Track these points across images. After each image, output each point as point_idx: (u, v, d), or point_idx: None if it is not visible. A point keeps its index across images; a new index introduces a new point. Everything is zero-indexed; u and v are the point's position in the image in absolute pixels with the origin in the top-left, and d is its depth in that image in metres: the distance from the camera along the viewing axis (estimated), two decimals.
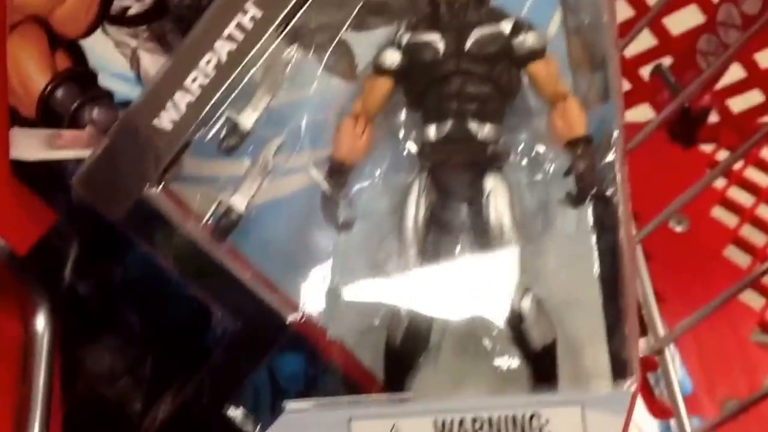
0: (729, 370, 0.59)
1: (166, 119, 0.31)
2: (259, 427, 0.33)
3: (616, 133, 0.32)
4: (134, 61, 0.36)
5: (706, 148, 0.69)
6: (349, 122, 0.33)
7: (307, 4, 0.32)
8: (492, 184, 0.32)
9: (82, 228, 0.38)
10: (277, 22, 0.31)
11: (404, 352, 0.32)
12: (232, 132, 0.32)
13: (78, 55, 0.36)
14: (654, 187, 0.63)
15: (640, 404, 0.56)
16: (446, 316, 0.32)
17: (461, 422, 0.31)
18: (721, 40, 0.62)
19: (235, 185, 0.32)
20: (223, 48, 0.31)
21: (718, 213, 0.68)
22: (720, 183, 0.68)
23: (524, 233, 0.32)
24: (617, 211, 0.32)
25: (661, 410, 0.57)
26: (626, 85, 0.69)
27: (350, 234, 0.33)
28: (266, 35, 0.31)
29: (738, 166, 0.68)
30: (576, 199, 0.32)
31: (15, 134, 0.36)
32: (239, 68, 0.31)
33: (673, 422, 0.54)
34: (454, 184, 0.32)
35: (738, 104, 0.69)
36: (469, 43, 0.32)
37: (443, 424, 0.31)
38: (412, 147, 0.33)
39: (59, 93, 0.36)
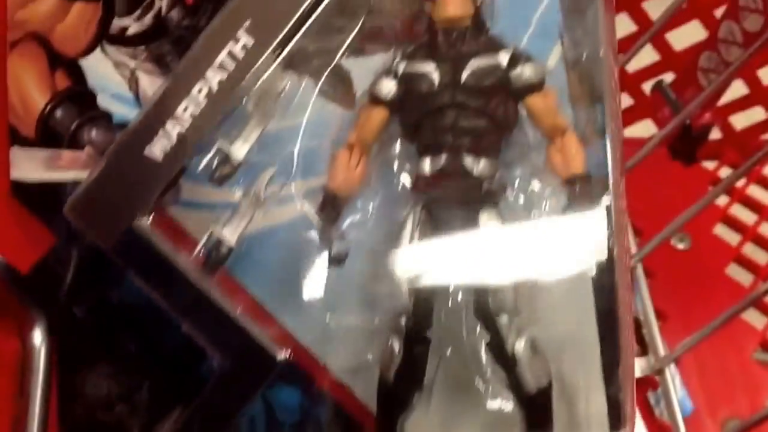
0: (730, 389, 0.58)
1: (157, 148, 0.31)
2: None
3: (612, 175, 0.32)
4: (133, 82, 0.36)
5: (709, 165, 0.69)
6: (344, 154, 0.32)
7: (301, 33, 0.31)
8: (487, 220, 0.31)
9: (79, 250, 0.38)
10: (269, 51, 0.31)
11: (397, 391, 0.31)
12: (223, 162, 0.32)
13: (77, 75, 0.36)
14: (656, 203, 0.62)
15: (639, 424, 0.56)
16: (440, 357, 0.31)
17: None
18: (722, 57, 0.62)
19: (227, 217, 0.32)
20: (214, 77, 0.31)
21: (721, 231, 0.67)
22: (722, 200, 0.67)
23: (518, 273, 0.31)
24: (613, 252, 0.31)
25: (660, 430, 0.56)
26: (628, 101, 0.69)
27: (343, 267, 0.32)
28: (258, 64, 0.31)
29: (740, 183, 0.68)
30: (572, 239, 0.31)
31: (15, 154, 0.36)
32: (231, 98, 0.31)
33: None
34: (448, 220, 0.32)
35: (740, 121, 0.68)
36: (465, 75, 0.31)
37: None
38: (406, 180, 0.32)
39: (58, 113, 0.36)
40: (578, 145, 0.32)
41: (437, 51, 0.32)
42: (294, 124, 0.33)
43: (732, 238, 0.67)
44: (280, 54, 0.31)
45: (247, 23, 0.30)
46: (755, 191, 0.70)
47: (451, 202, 0.32)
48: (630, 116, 0.67)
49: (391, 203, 0.33)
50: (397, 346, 0.31)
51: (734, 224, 0.68)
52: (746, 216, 0.69)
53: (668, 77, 0.67)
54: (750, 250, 0.67)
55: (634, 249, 0.61)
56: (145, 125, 0.31)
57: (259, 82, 0.31)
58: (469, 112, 0.31)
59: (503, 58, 0.32)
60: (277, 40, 0.31)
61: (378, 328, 0.32)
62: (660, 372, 0.55)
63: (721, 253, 0.66)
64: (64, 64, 0.36)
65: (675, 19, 0.62)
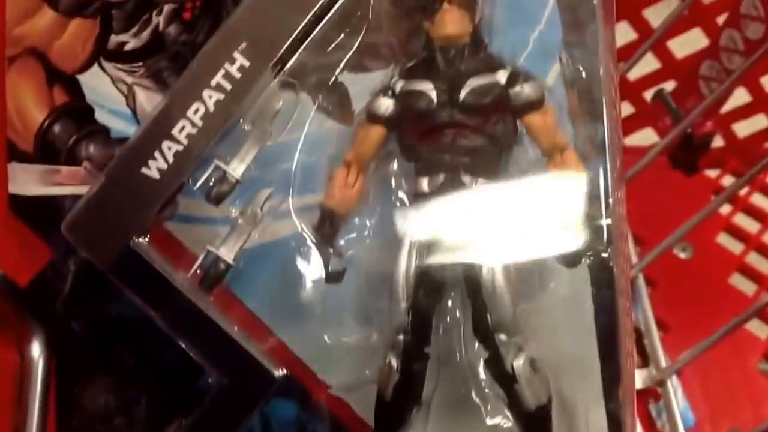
0: (733, 400, 0.58)
1: (154, 168, 0.31)
2: None
3: (612, 193, 0.31)
4: (130, 98, 0.36)
5: (711, 173, 0.69)
6: (341, 171, 0.32)
7: (298, 52, 0.31)
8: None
9: (77, 263, 0.38)
10: (265, 72, 0.31)
11: (395, 407, 0.31)
12: (221, 181, 0.32)
13: (75, 90, 0.36)
14: (658, 212, 0.62)
15: None
16: (437, 373, 0.31)
17: None
18: (723, 65, 0.62)
19: (224, 235, 0.32)
20: (210, 97, 0.31)
21: (723, 240, 0.67)
22: (725, 209, 0.67)
23: (518, 292, 0.31)
24: (613, 272, 0.31)
25: None
26: (629, 109, 0.69)
27: (340, 285, 0.32)
28: (255, 84, 0.31)
29: (743, 192, 0.67)
30: (572, 259, 0.31)
31: (13, 169, 0.36)
32: (227, 118, 0.31)
33: None
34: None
35: (743, 129, 0.68)
36: (463, 94, 0.31)
37: None
38: (404, 199, 0.32)
39: (56, 128, 0.36)
40: (578, 163, 0.32)
41: (435, 69, 0.32)
42: (292, 140, 0.33)
43: (735, 247, 0.67)
44: (276, 74, 0.31)
45: (243, 45, 0.30)
46: (758, 200, 0.69)
47: None
48: (631, 125, 0.67)
49: (388, 221, 0.32)
50: (395, 362, 0.31)
51: (737, 233, 0.68)
52: (749, 225, 0.68)
53: (669, 86, 0.67)
54: (753, 260, 0.66)
55: (635, 259, 0.61)
56: (142, 144, 0.31)
57: (256, 103, 0.31)
58: (467, 130, 0.31)
59: (502, 76, 0.32)
60: (273, 60, 0.31)
61: (376, 345, 0.32)
62: (661, 383, 0.55)
63: (724, 262, 0.65)
64: (62, 80, 0.36)
65: (676, 26, 0.62)
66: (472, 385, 0.32)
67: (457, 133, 0.31)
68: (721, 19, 0.65)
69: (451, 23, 0.31)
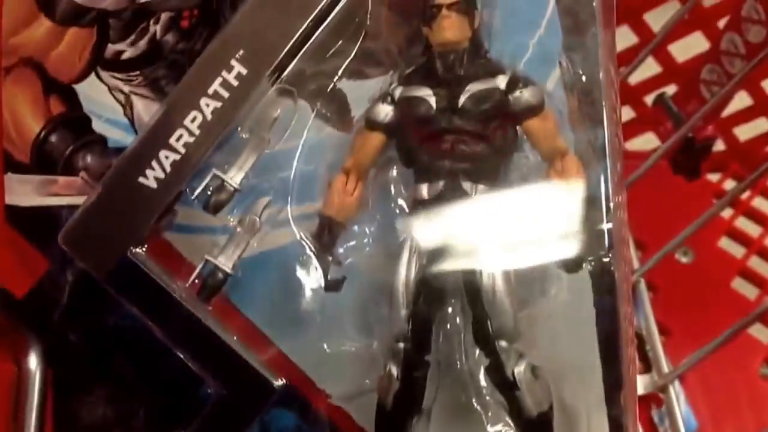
0: (736, 406, 0.58)
1: (151, 177, 0.31)
2: None
3: (613, 198, 0.31)
4: (128, 107, 0.36)
5: (713, 177, 0.68)
6: (340, 179, 0.32)
7: (296, 60, 0.31)
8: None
9: (74, 274, 0.38)
10: (263, 79, 0.31)
11: (395, 416, 0.31)
12: (219, 190, 0.32)
13: (72, 100, 0.36)
14: (659, 216, 0.62)
15: None
16: (438, 381, 0.31)
17: None
18: (725, 69, 0.62)
19: (223, 244, 0.32)
20: (208, 106, 0.31)
21: (725, 244, 0.66)
22: (727, 213, 0.67)
23: (518, 298, 0.31)
24: (614, 277, 0.31)
25: None
26: (630, 114, 0.69)
27: (339, 293, 0.32)
28: (253, 92, 0.31)
29: (745, 195, 0.67)
30: (572, 265, 0.31)
31: (10, 180, 0.35)
32: (225, 126, 0.31)
33: None
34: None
35: (744, 133, 0.68)
36: (462, 99, 0.31)
37: None
38: (404, 206, 0.32)
39: (53, 138, 0.36)
40: (578, 168, 0.32)
41: (434, 75, 0.32)
42: (290, 148, 0.33)
43: (737, 251, 0.67)
44: (274, 82, 0.31)
45: (241, 53, 0.30)
46: (760, 203, 0.69)
47: None
48: (631, 129, 0.67)
49: (388, 228, 0.32)
50: (395, 370, 0.31)
51: (739, 237, 0.67)
52: (751, 228, 0.68)
53: (670, 90, 0.67)
54: (755, 263, 0.66)
55: (636, 263, 0.60)
56: (139, 154, 0.31)
57: (254, 111, 0.31)
58: (467, 136, 0.31)
59: (502, 81, 0.31)
60: (271, 68, 0.31)
61: (376, 353, 0.32)
62: (663, 389, 0.55)
63: (726, 266, 0.65)
64: (59, 90, 0.36)
65: (677, 30, 0.62)
66: (473, 393, 0.32)
67: (457, 139, 0.31)
68: (721, 23, 0.64)
69: (450, 29, 0.31)
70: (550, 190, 0.32)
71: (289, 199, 0.33)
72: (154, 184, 0.31)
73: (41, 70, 0.36)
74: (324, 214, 0.32)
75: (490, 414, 0.31)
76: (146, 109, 0.35)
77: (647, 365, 0.57)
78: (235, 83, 0.30)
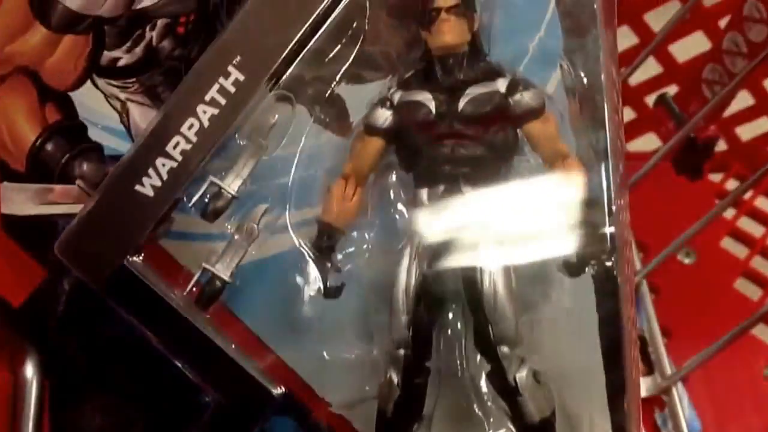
0: (740, 408, 0.57)
1: (148, 185, 0.30)
2: None
3: (615, 201, 0.31)
4: (124, 114, 0.35)
5: (715, 177, 0.68)
6: (339, 185, 0.32)
7: (294, 65, 0.31)
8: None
9: (71, 283, 0.38)
10: (260, 85, 0.30)
11: (396, 423, 0.31)
12: (216, 197, 0.31)
13: (68, 108, 0.36)
14: (661, 217, 0.62)
15: None
16: (438, 387, 0.31)
17: None
18: (726, 68, 0.61)
19: (220, 252, 0.32)
20: (205, 113, 0.30)
21: (728, 244, 0.66)
22: (729, 213, 0.66)
23: (520, 303, 0.30)
24: (617, 281, 0.31)
25: None
26: (631, 115, 0.68)
27: (339, 300, 0.32)
28: (250, 98, 0.30)
29: (748, 195, 0.67)
30: (575, 269, 0.31)
31: (5, 189, 0.35)
32: (222, 133, 0.30)
33: None
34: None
35: (747, 132, 0.68)
36: (462, 103, 0.31)
37: None
38: (403, 211, 0.32)
39: (49, 147, 0.35)
40: (580, 170, 0.31)
41: (434, 79, 0.31)
42: (288, 154, 0.33)
43: (740, 251, 0.66)
44: (272, 87, 0.31)
45: (238, 59, 0.30)
46: (763, 203, 0.68)
47: None
48: (632, 130, 0.67)
49: (388, 234, 0.32)
50: (395, 377, 0.31)
51: (742, 237, 0.67)
52: (754, 229, 0.68)
53: (671, 90, 0.66)
54: (759, 264, 0.65)
55: (638, 265, 0.60)
56: (136, 161, 0.31)
57: (252, 117, 0.31)
58: (467, 140, 0.31)
59: (502, 84, 0.31)
60: (269, 74, 0.30)
61: (376, 360, 0.32)
62: (666, 391, 0.55)
63: (729, 267, 0.64)
64: (55, 98, 0.35)
65: (678, 30, 0.62)
66: (474, 399, 0.32)
67: (457, 143, 0.31)
68: (723, 23, 0.64)
69: (449, 32, 0.31)
70: (551, 193, 0.31)
71: (288, 205, 0.33)
72: (151, 192, 0.30)
73: (36, 79, 0.35)
74: (323, 220, 0.32)
75: (492, 420, 0.31)
76: (143, 117, 0.35)
77: (650, 367, 0.57)
78: (233, 89, 0.30)
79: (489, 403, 0.31)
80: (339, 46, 0.32)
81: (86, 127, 0.35)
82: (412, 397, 0.31)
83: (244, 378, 0.30)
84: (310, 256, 0.32)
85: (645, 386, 0.55)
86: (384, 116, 0.32)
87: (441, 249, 0.31)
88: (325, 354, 0.32)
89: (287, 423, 0.33)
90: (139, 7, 0.35)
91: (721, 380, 0.57)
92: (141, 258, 0.32)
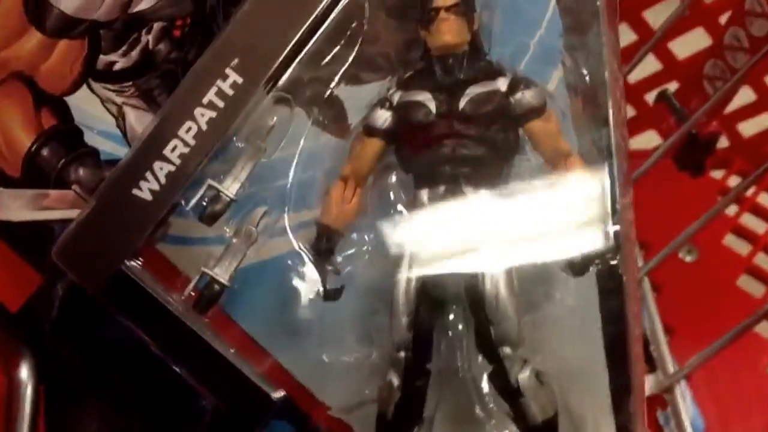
0: (744, 406, 0.57)
1: (146, 189, 0.30)
2: None
3: (619, 199, 0.31)
4: (120, 118, 0.35)
5: (717, 174, 0.68)
6: (339, 186, 0.32)
7: (292, 67, 0.30)
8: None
9: (66, 286, 0.37)
10: (258, 88, 0.30)
11: (397, 426, 0.31)
12: (214, 200, 0.31)
13: (63, 112, 0.35)
14: (663, 215, 0.61)
15: None
16: (440, 389, 0.31)
17: None
18: (728, 64, 0.61)
19: (219, 255, 0.31)
20: (203, 116, 0.30)
21: (730, 241, 0.66)
22: (731, 210, 0.66)
23: (523, 302, 0.30)
24: (621, 279, 0.31)
25: None
26: (631, 112, 0.68)
27: (338, 303, 0.31)
28: (248, 100, 0.30)
29: (750, 192, 0.66)
30: (579, 268, 0.31)
31: (1, 195, 0.35)
32: (220, 136, 0.30)
33: None
34: None
35: (749, 128, 0.67)
36: (462, 103, 0.31)
37: None
38: (404, 212, 0.32)
39: (44, 152, 0.35)
40: (583, 169, 0.31)
41: (433, 79, 0.31)
42: (287, 156, 0.33)
43: (742, 248, 0.66)
44: (270, 89, 0.30)
45: (236, 61, 0.30)
46: (766, 199, 0.68)
47: None
48: (633, 127, 0.66)
49: (387, 235, 0.32)
50: (395, 380, 0.31)
51: (744, 234, 0.67)
52: (757, 225, 0.67)
53: (671, 87, 0.66)
54: (762, 261, 0.65)
55: (640, 262, 0.60)
56: (133, 166, 0.30)
57: (250, 119, 0.31)
58: (467, 140, 0.31)
59: (502, 83, 0.31)
60: (267, 76, 0.30)
61: (376, 363, 0.32)
62: (669, 390, 0.54)
63: (732, 264, 0.64)
64: (50, 103, 0.35)
65: (678, 26, 0.61)
66: (476, 400, 0.32)
67: (458, 143, 0.31)
68: (723, 18, 0.64)
69: (448, 32, 0.31)
70: (553, 192, 0.31)
71: (286, 208, 0.32)
72: (148, 196, 0.30)
73: (32, 84, 0.35)
74: (322, 222, 0.32)
75: (494, 421, 0.31)
76: (139, 121, 0.35)
77: (652, 366, 0.57)
78: (231, 92, 0.30)
79: (491, 405, 0.31)
80: (337, 47, 0.32)
81: (82, 131, 0.35)
82: (413, 399, 0.31)
83: (243, 382, 0.30)
84: (309, 259, 0.32)
85: (647, 385, 0.54)
86: (383, 117, 0.31)
87: (442, 250, 0.31)
88: (324, 357, 0.32)
89: (286, 427, 0.33)
90: (135, 10, 0.35)
91: (725, 378, 0.57)
92: (139, 262, 0.31)
